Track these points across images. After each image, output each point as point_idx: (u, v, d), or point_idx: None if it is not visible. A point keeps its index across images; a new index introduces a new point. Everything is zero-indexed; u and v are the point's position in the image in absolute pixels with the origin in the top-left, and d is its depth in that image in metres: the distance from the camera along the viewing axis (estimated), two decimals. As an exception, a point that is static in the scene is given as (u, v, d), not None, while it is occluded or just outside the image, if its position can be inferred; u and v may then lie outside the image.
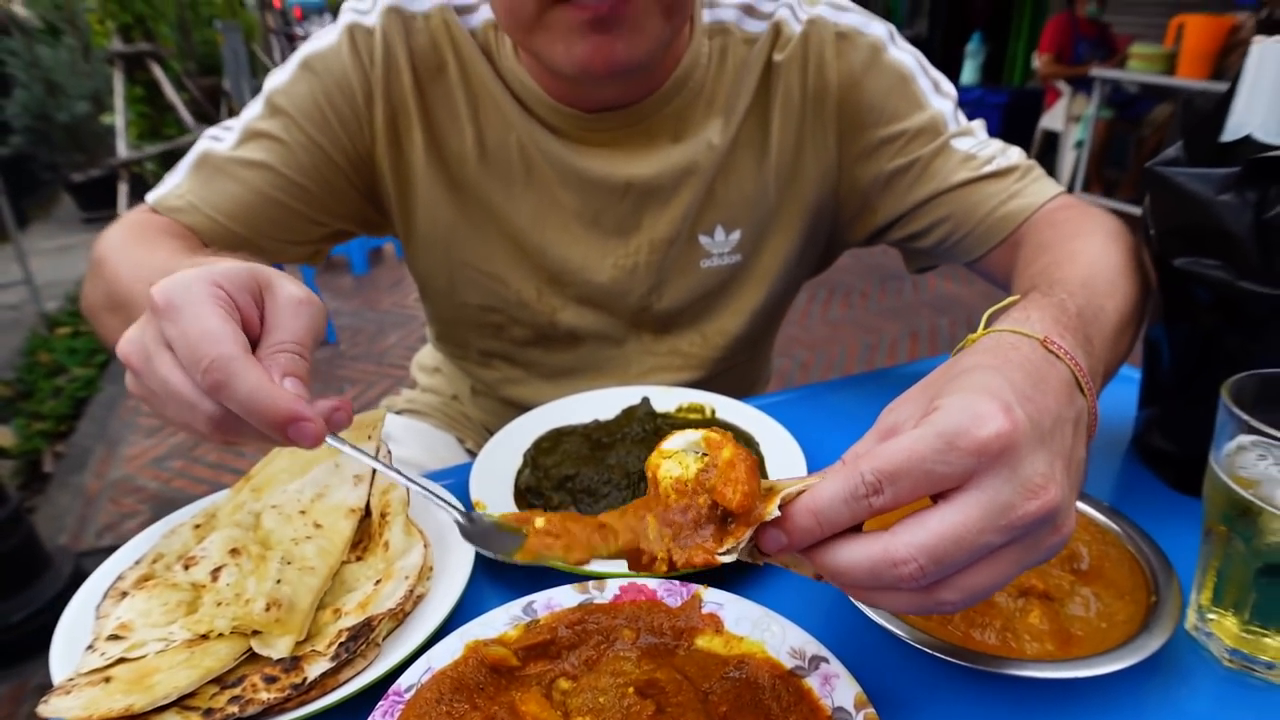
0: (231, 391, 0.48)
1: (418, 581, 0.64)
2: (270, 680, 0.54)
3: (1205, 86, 4.83)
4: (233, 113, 8.01)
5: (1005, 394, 0.43)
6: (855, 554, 0.43)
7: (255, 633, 0.59)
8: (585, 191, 0.96)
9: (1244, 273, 0.68)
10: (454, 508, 0.59)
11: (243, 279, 0.53)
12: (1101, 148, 5.99)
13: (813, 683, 0.55)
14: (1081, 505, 0.71)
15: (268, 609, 0.59)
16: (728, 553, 0.45)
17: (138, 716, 0.52)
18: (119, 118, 5.56)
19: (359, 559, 0.70)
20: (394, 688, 0.55)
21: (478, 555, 0.68)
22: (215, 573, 0.64)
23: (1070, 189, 6.00)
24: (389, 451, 0.77)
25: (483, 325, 1.07)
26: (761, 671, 0.56)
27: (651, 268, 1.01)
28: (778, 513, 0.44)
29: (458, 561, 0.67)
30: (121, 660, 0.57)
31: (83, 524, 2.82)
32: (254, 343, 0.53)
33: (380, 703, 0.55)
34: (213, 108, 7.46)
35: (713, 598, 0.63)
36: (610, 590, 0.64)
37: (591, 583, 0.65)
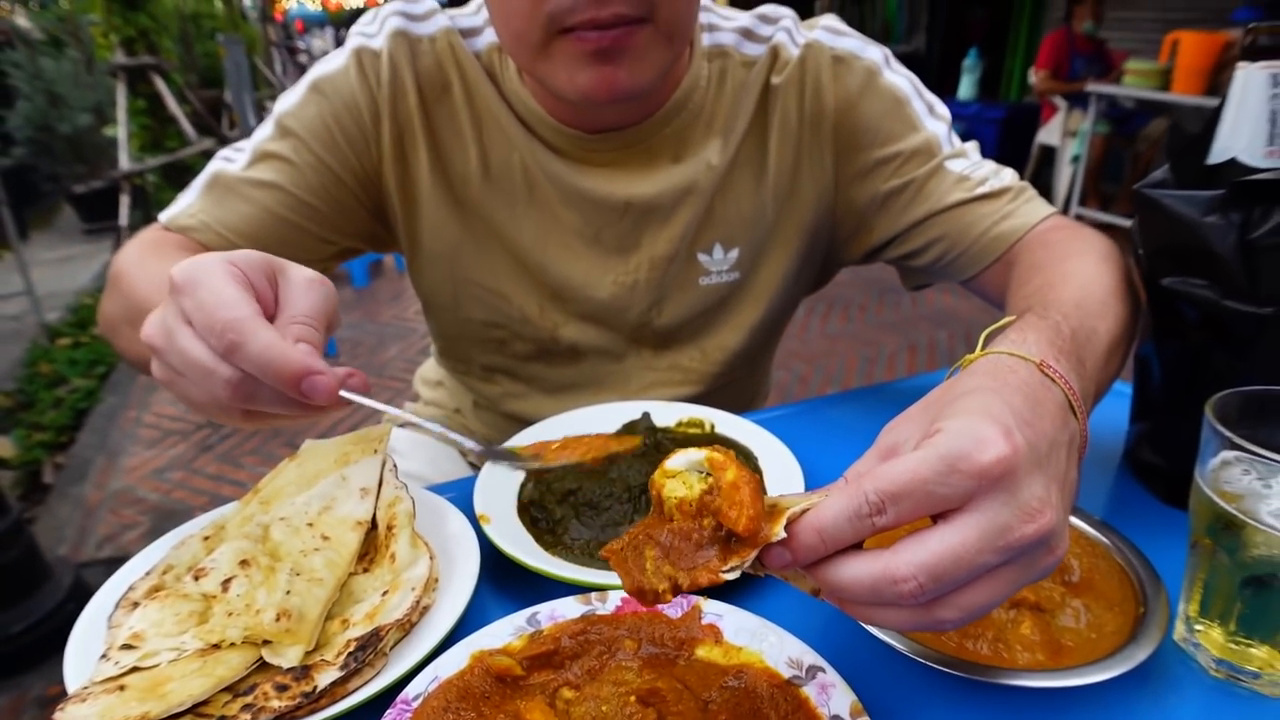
0: (246, 351, 0.49)
1: (424, 593, 0.65)
2: (281, 689, 0.56)
3: (1200, 102, 4.87)
4: (234, 125, 8.08)
5: (1006, 419, 0.45)
6: (857, 571, 0.44)
7: (266, 642, 0.60)
8: (586, 210, 0.98)
9: (1229, 292, 0.70)
10: (473, 443, 0.62)
11: (257, 262, 0.55)
12: (1098, 162, 6.03)
13: (810, 692, 0.56)
14: (1072, 519, 0.72)
15: (278, 619, 0.60)
16: (731, 570, 0.46)
17: (152, 724, 0.54)
18: (121, 130, 5.59)
19: (365, 570, 0.71)
20: (401, 696, 0.57)
21: (482, 567, 0.69)
22: (225, 583, 0.65)
23: (1067, 203, 6.04)
24: (394, 465, 0.79)
25: (486, 341, 1.09)
26: (760, 681, 0.57)
27: (651, 285, 1.03)
28: (784, 534, 0.45)
29: (463, 573, 0.68)
30: (135, 669, 0.58)
31: (83, 535, 2.83)
32: (270, 321, 0.54)
33: (388, 711, 0.56)
34: (214, 120, 7.49)
35: (712, 609, 0.64)
36: (612, 601, 0.66)
37: (594, 594, 0.66)
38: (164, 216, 0.92)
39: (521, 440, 0.90)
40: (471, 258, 1.01)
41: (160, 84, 5.99)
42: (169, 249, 0.86)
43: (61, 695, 0.57)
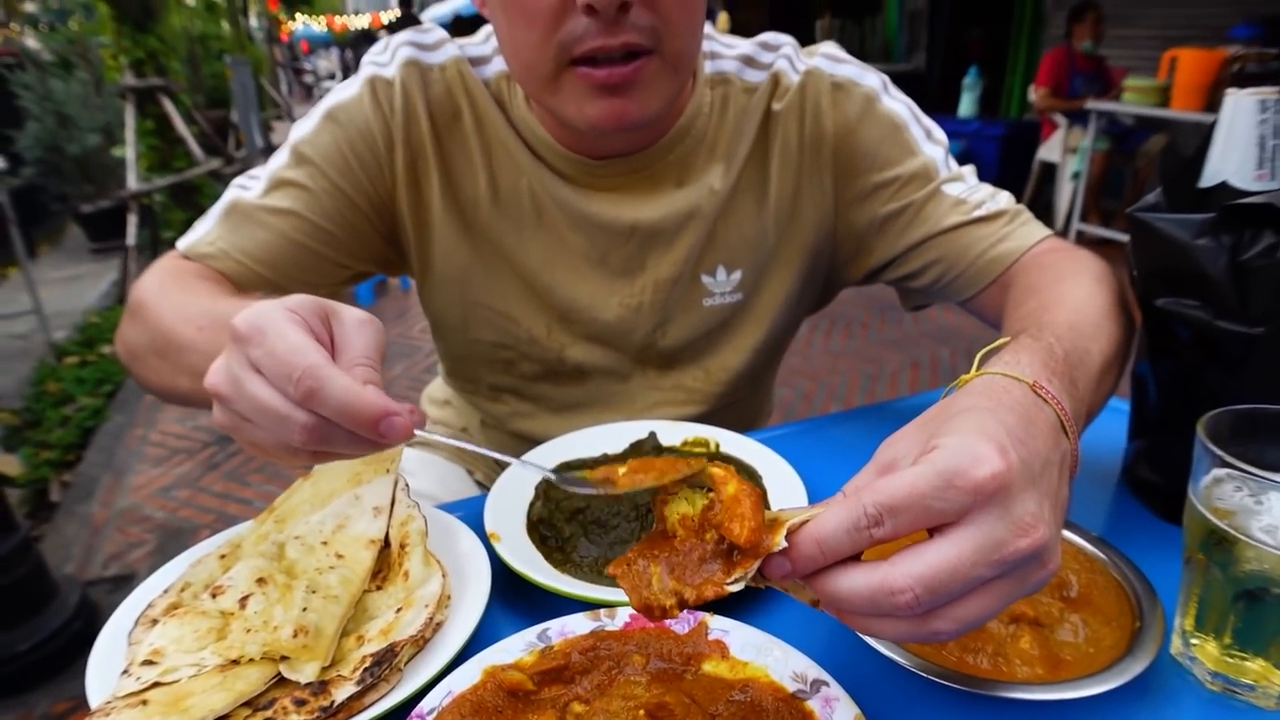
0: (325, 397, 0.50)
1: (437, 609, 0.67)
2: (300, 703, 0.57)
3: (1199, 118, 4.90)
4: (240, 145, 8.15)
5: (1000, 437, 0.46)
6: (855, 582, 0.45)
7: (284, 658, 0.62)
8: (593, 234, 1.01)
9: (1221, 313, 0.71)
10: (549, 470, 0.62)
11: (311, 306, 0.56)
12: (1099, 178, 6.06)
13: (814, 705, 0.58)
14: (1071, 535, 0.74)
15: (295, 635, 0.62)
16: (735, 582, 0.47)
17: (175, 738, 0.55)
18: (130, 150, 5.64)
19: (379, 588, 0.73)
20: (416, 710, 0.58)
21: (493, 584, 0.71)
22: (243, 601, 0.67)
23: (1068, 219, 6.07)
24: (406, 485, 0.81)
25: (494, 361, 1.11)
26: (765, 695, 0.59)
27: (656, 306, 1.05)
28: (785, 544, 0.46)
29: (474, 591, 0.70)
30: (157, 684, 0.60)
31: (89, 553, 2.84)
32: None
33: (404, 725, 0.57)
34: (220, 140, 7.56)
35: (718, 625, 0.66)
36: (621, 618, 0.67)
37: (603, 611, 0.68)
38: (182, 244, 0.94)
39: (539, 458, 0.92)
40: (481, 280, 1.03)
41: (168, 105, 6.06)
42: (190, 279, 0.87)
43: (68, 713, 0.58)
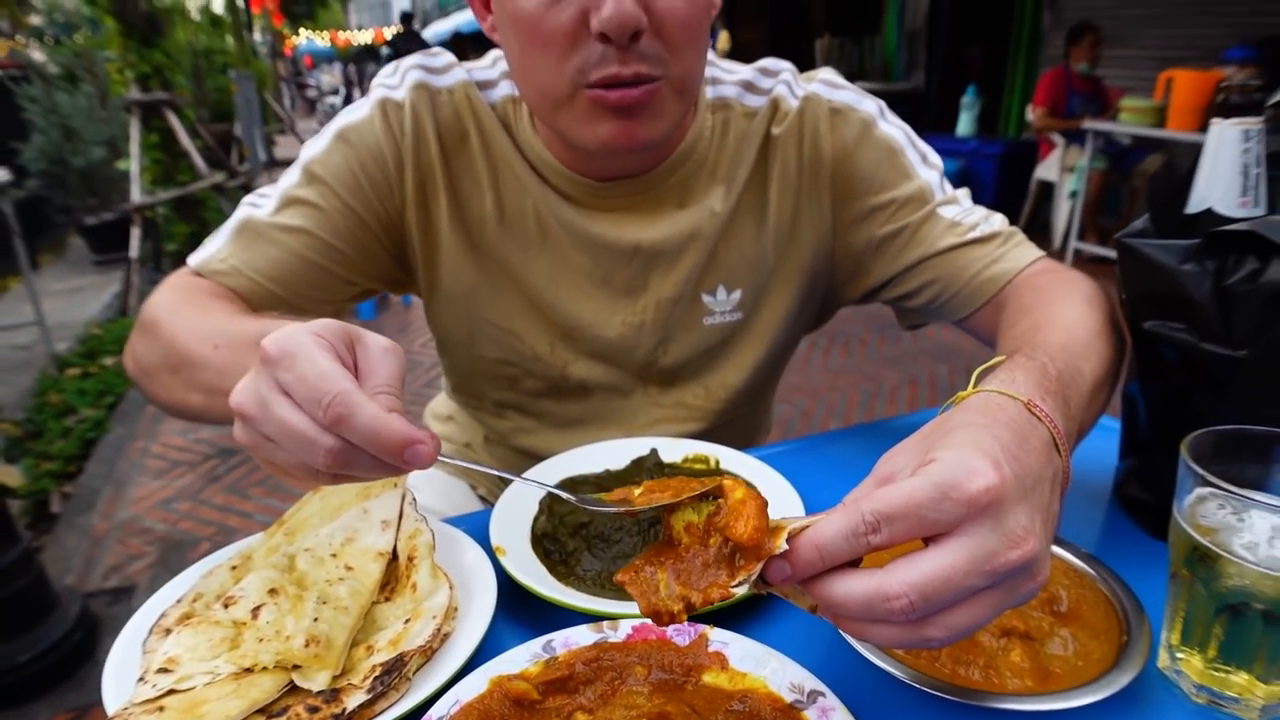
0: (353, 423, 0.52)
1: (444, 621, 0.69)
2: (313, 710, 0.59)
3: (1194, 138, 4.94)
4: (243, 158, 8.20)
5: (995, 452, 0.48)
6: (852, 587, 0.47)
7: (296, 667, 0.63)
8: (596, 254, 1.03)
9: (1206, 335, 0.73)
10: (570, 495, 0.64)
11: (338, 332, 0.58)
12: (1096, 197, 6.11)
13: (811, 715, 0.59)
14: (1061, 551, 0.76)
15: (307, 645, 0.64)
16: (739, 584, 0.49)
17: (191, 743, 0.57)
18: (134, 163, 5.67)
19: (388, 599, 0.75)
20: (425, 718, 0.60)
21: (499, 596, 0.73)
22: (255, 611, 0.69)
23: (1066, 237, 6.11)
24: (414, 499, 0.83)
25: (498, 377, 1.13)
26: (763, 705, 0.60)
27: (658, 325, 1.07)
28: (785, 546, 0.48)
29: (481, 603, 0.72)
30: (172, 691, 0.62)
31: (89, 565, 2.84)
32: None
33: (412, 732, 0.59)
34: (224, 154, 7.60)
35: (718, 637, 0.68)
36: (624, 630, 0.69)
37: (606, 623, 0.70)
38: (194, 261, 0.96)
39: (535, 475, 0.94)
40: (486, 298, 1.06)
41: (173, 119, 6.10)
42: (203, 297, 0.89)
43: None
